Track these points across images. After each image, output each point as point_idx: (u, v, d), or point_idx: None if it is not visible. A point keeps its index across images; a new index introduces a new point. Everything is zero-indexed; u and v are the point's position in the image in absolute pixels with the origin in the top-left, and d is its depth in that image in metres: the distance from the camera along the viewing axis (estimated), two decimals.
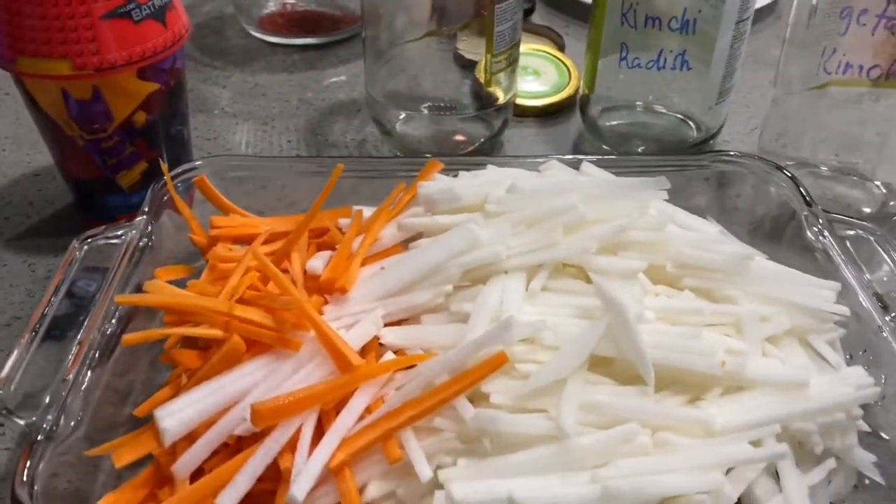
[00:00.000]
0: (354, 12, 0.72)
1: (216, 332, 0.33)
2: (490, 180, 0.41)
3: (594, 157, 0.45)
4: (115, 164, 0.46)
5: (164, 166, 0.42)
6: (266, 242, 0.42)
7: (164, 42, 0.44)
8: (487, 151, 0.58)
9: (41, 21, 0.41)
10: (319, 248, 0.42)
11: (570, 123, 0.62)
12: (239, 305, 0.33)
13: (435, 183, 0.41)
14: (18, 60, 0.42)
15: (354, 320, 0.35)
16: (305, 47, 0.70)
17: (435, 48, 0.56)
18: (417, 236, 0.41)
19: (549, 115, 0.63)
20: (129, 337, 0.35)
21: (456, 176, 0.44)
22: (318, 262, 0.37)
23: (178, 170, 0.44)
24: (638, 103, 0.58)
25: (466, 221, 0.37)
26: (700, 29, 0.51)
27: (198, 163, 0.44)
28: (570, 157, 0.45)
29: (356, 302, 0.36)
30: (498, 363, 0.31)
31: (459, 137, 0.57)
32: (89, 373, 0.35)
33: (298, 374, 0.32)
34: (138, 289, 0.40)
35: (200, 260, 0.44)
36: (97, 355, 0.36)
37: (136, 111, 0.45)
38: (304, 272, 0.38)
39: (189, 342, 0.38)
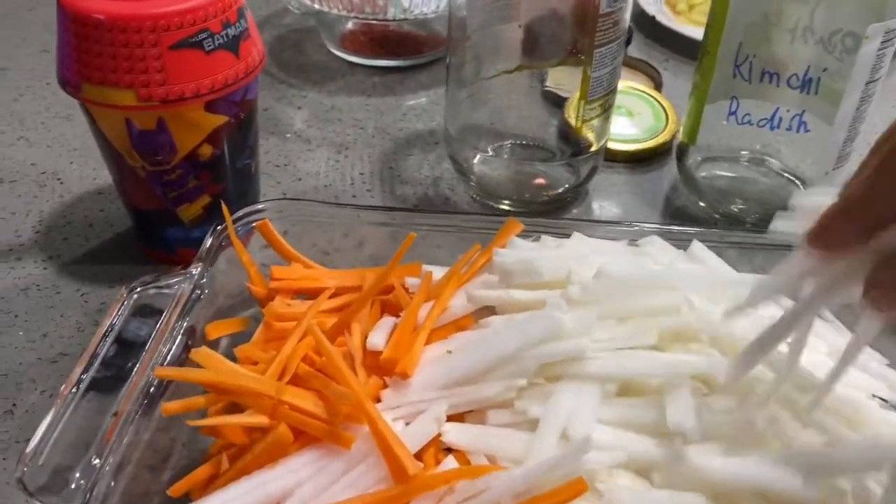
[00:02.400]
0: (440, 34, 0.68)
1: (261, 420, 0.30)
2: (574, 254, 0.37)
3: (694, 229, 0.41)
4: (176, 196, 0.44)
5: (226, 211, 0.40)
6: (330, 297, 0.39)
7: (236, 74, 0.41)
8: (571, 200, 0.54)
9: (108, 48, 0.38)
10: (384, 307, 0.39)
11: (664, 172, 0.57)
12: (289, 388, 0.30)
13: (513, 252, 0.37)
14: (84, 87, 0.40)
15: (415, 410, 0.32)
16: (386, 69, 0.67)
17: (522, 83, 0.52)
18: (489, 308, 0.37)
19: (641, 161, 0.58)
20: (168, 406, 0.32)
21: (537, 239, 0.40)
22: (379, 338, 0.34)
23: (241, 213, 0.41)
24: (743, 152, 0.52)
25: (549, 307, 0.33)
26: (824, 87, 0.45)
27: (261, 206, 0.41)
28: (666, 226, 0.41)
29: (418, 389, 0.32)
30: (575, 492, 0.27)
31: (540, 181, 0.53)
32: (128, 434, 0.33)
33: (348, 475, 0.29)
34: (191, 333, 0.38)
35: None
36: (140, 411, 0.33)
37: (202, 144, 0.42)
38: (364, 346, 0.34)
39: (235, 407, 0.35)
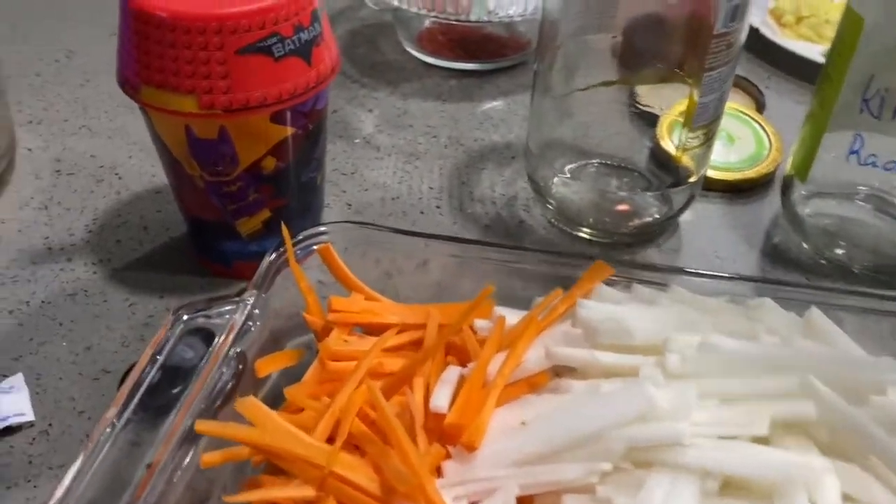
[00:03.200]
0: (523, 36, 0.63)
1: (307, 493, 0.26)
2: (673, 315, 0.32)
3: (810, 290, 0.35)
4: (235, 209, 0.41)
5: (287, 234, 0.36)
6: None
7: (307, 83, 0.38)
8: (658, 232, 0.49)
9: (170, 49, 0.35)
10: (448, 348, 0.35)
11: (765, 205, 0.52)
12: (341, 457, 0.27)
13: (600, 306, 0.33)
14: (143, 89, 0.37)
15: (481, 489, 0.28)
16: (464, 72, 0.63)
17: (613, 98, 0.47)
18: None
19: (740, 191, 0.53)
20: (208, 457, 0.29)
21: (627, 286, 0.36)
22: (443, 399, 0.30)
23: (302, 235, 0.37)
24: (860, 188, 0.46)
25: (642, 379, 0.29)
26: None
27: (323, 228, 0.38)
28: (776, 283, 0.36)
29: (485, 464, 0.28)
30: None
31: (625, 208, 0.48)
32: (162, 481, 0.30)
33: None
34: (242, 359, 0.35)
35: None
36: (176, 460, 0.30)
37: (265, 156, 0.39)
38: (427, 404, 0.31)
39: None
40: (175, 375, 0.34)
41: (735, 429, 0.28)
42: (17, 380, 0.38)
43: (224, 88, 0.36)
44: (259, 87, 0.36)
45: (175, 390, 0.33)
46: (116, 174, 0.52)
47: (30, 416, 0.37)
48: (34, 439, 0.36)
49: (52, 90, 0.59)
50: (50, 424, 0.37)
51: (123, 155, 0.53)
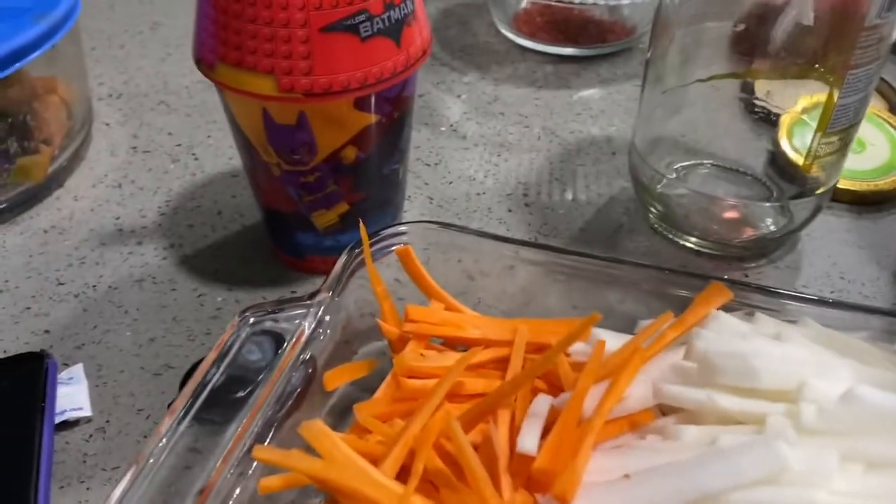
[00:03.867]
0: (627, 21, 0.58)
1: None
2: (807, 356, 0.27)
3: None
4: (311, 201, 0.38)
5: (364, 234, 0.33)
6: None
7: (394, 66, 0.34)
8: (774, 246, 0.44)
9: (249, 25, 0.32)
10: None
11: None
12: (414, 499, 0.23)
13: (720, 339, 0.28)
14: (218, 67, 0.34)
15: None
16: (561, 58, 0.58)
17: (732, 93, 0.42)
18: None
19: (870, 203, 0.47)
20: (266, 482, 0.26)
21: (750, 314, 0.31)
22: (531, 440, 0.26)
23: (380, 235, 0.34)
24: None
25: (770, 433, 0.24)
26: None
27: (404, 227, 0.34)
28: None
29: None
30: None
31: (736, 216, 0.43)
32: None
33: None
34: (311, 365, 0.32)
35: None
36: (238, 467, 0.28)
37: (346, 146, 0.36)
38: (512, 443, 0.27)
39: None
40: (239, 377, 0.32)
41: (883, 501, 0.23)
42: (77, 370, 0.36)
43: (305, 70, 0.32)
44: (343, 70, 0.33)
45: (238, 394, 0.31)
46: (193, 154, 0.50)
47: (87, 412, 0.35)
48: (90, 436, 0.34)
49: (134, 63, 0.58)
50: (107, 421, 0.35)
51: (201, 134, 0.51)
